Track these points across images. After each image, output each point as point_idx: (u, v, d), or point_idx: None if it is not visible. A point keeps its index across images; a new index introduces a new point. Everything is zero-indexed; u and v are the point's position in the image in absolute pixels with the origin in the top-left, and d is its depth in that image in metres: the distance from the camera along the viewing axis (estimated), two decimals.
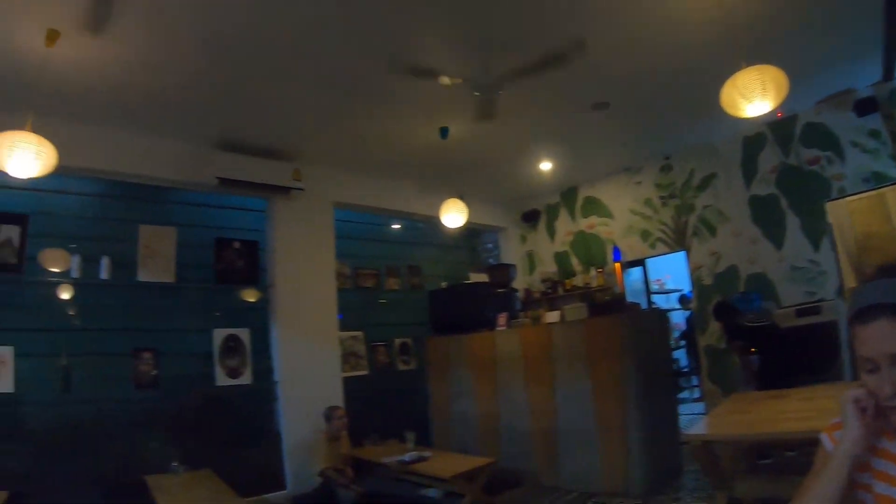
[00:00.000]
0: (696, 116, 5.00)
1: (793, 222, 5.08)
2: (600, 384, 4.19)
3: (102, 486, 4.23)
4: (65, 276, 4.27)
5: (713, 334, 5.46)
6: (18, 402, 4.09)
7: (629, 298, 5.69)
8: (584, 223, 6.68)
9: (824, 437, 1.10)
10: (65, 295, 4.36)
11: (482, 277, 6.06)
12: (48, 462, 4.12)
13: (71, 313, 4.42)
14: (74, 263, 4.26)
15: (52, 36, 3.14)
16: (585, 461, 4.25)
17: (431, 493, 4.49)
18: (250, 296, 5.12)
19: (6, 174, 3.05)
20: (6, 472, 3.91)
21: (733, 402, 3.59)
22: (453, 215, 4.65)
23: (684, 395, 7.55)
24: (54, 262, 4.24)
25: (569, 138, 5.23)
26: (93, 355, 4.32)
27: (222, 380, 4.71)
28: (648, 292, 6.90)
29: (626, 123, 5.00)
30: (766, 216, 5.25)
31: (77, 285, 4.33)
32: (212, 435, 4.74)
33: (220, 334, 4.79)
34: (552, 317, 4.81)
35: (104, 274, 4.33)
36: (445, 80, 3.72)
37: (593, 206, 6.60)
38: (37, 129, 2.96)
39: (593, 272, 6.34)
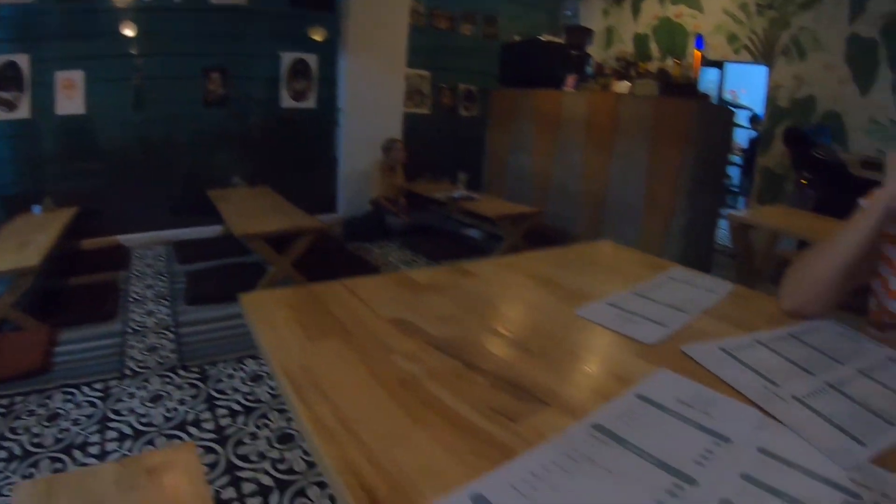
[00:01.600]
0: None
1: (885, 76, 4.65)
2: (656, 163, 4.17)
3: (170, 200, 4.68)
4: (137, 2, 4.19)
5: (774, 157, 5.44)
6: (90, 123, 4.30)
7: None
8: (672, 10, 6.14)
9: (863, 202, 1.02)
10: (136, 21, 4.30)
11: (558, 39, 5.71)
12: (118, 179, 4.46)
13: (142, 38, 4.38)
14: None
15: None
16: (626, 234, 4.31)
17: (473, 233, 4.82)
18: (319, 34, 4.98)
19: None
20: (78, 190, 4.28)
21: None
22: None
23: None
24: None
25: None
26: (164, 78, 4.42)
27: (287, 102, 4.84)
28: (721, 99, 6.71)
29: None
30: (859, 59, 4.82)
31: (148, 10, 4.26)
32: (273, 155, 5.01)
33: (288, 57, 4.79)
34: (622, 87, 4.63)
35: None
36: None
37: None
38: None
39: (671, 62, 6.07)
